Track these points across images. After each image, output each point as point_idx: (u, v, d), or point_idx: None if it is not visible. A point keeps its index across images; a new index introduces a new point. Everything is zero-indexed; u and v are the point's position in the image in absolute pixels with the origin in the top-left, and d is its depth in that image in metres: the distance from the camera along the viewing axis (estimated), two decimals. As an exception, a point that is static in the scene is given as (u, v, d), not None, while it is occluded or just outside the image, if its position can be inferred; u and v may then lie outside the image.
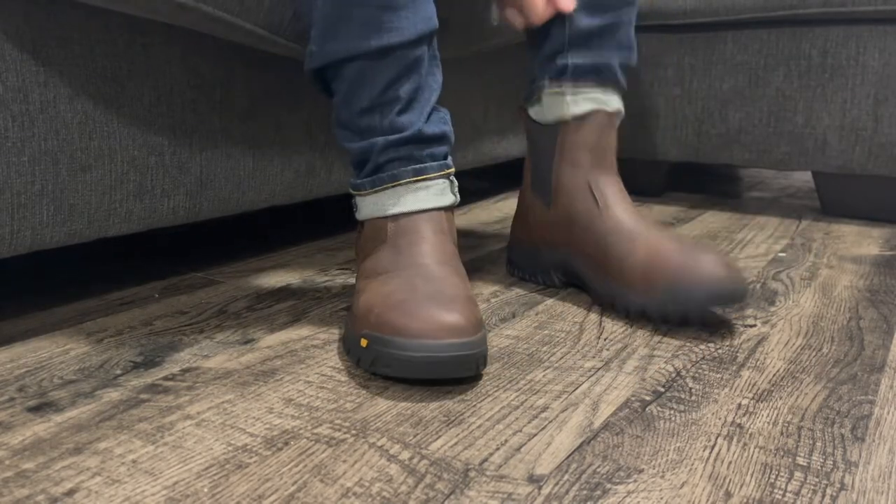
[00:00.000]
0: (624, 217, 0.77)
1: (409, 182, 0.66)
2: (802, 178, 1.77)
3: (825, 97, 1.23)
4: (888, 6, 1.13)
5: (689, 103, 1.34)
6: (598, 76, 0.80)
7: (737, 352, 0.67)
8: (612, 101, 0.81)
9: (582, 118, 0.80)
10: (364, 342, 0.59)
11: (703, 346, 0.68)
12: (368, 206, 0.68)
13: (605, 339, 0.70)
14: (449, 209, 0.68)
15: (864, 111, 1.21)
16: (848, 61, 1.21)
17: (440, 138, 0.68)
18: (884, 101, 1.19)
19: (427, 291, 0.59)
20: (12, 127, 0.63)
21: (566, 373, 0.62)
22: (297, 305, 0.78)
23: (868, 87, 1.20)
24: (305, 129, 0.92)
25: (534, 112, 0.84)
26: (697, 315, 0.70)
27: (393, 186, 0.66)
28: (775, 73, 1.27)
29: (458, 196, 0.69)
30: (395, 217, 0.66)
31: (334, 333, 0.70)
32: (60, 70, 0.66)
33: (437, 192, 0.67)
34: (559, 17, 0.80)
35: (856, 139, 1.22)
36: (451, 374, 0.56)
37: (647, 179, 1.45)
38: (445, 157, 0.69)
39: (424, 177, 0.67)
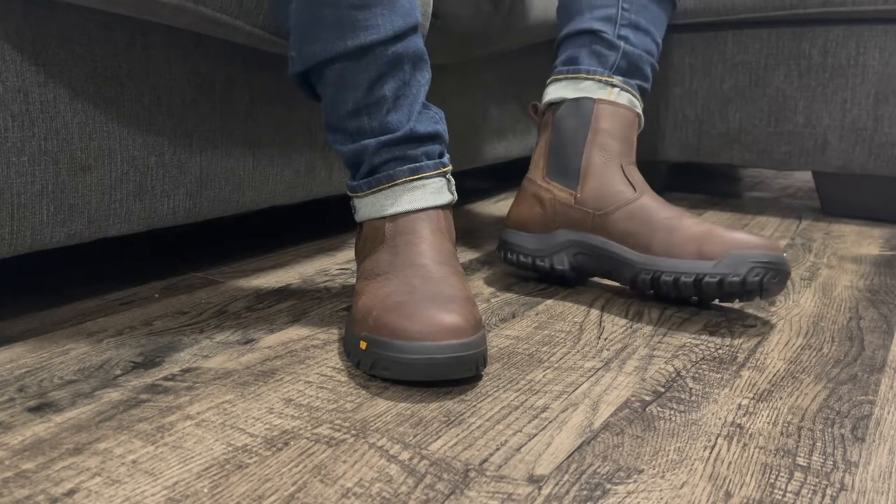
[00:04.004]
0: (660, 200, 0.81)
1: (406, 181, 0.66)
2: (802, 178, 1.77)
3: (825, 97, 1.23)
4: (888, 6, 1.13)
5: (689, 103, 1.34)
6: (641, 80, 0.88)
7: (737, 352, 0.67)
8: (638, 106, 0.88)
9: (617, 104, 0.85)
10: (363, 345, 0.59)
11: (703, 346, 0.68)
12: (366, 207, 0.68)
13: (605, 339, 0.70)
14: (446, 207, 0.68)
15: (864, 111, 1.21)
16: (848, 61, 1.21)
17: (433, 137, 0.67)
18: (884, 100, 1.19)
19: (425, 292, 0.59)
20: (12, 127, 0.63)
21: (566, 373, 0.62)
22: (297, 305, 0.78)
23: (868, 87, 1.20)
24: (305, 129, 0.92)
25: (559, 89, 0.87)
26: (754, 284, 0.72)
27: (390, 186, 0.66)
28: (775, 72, 1.26)
29: (456, 194, 0.69)
30: (393, 217, 0.66)
31: (334, 333, 0.70)
32: (60, 70, 0.66)
33: (434, 191, 0.67)
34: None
35: (856, 139, 1.22)
36: (451, 376, 0.56)
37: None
38: (441, 156, 0.68)
39: (421, 175, 0.66)
